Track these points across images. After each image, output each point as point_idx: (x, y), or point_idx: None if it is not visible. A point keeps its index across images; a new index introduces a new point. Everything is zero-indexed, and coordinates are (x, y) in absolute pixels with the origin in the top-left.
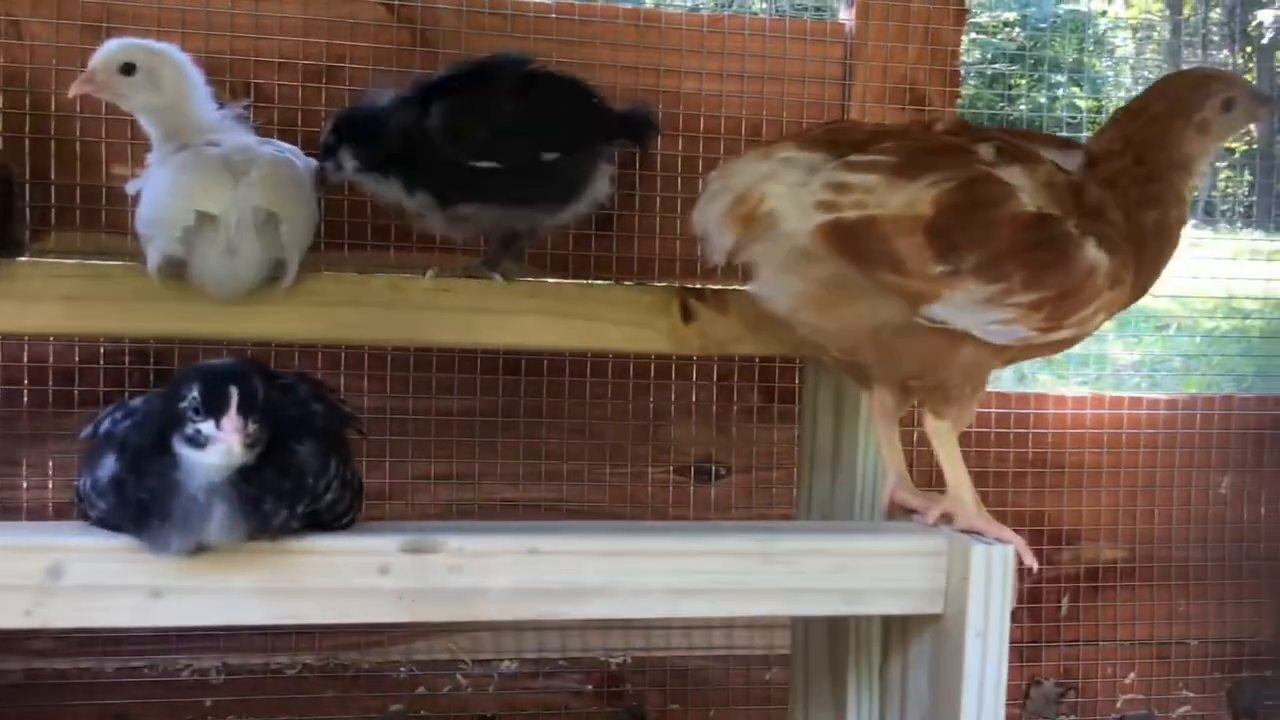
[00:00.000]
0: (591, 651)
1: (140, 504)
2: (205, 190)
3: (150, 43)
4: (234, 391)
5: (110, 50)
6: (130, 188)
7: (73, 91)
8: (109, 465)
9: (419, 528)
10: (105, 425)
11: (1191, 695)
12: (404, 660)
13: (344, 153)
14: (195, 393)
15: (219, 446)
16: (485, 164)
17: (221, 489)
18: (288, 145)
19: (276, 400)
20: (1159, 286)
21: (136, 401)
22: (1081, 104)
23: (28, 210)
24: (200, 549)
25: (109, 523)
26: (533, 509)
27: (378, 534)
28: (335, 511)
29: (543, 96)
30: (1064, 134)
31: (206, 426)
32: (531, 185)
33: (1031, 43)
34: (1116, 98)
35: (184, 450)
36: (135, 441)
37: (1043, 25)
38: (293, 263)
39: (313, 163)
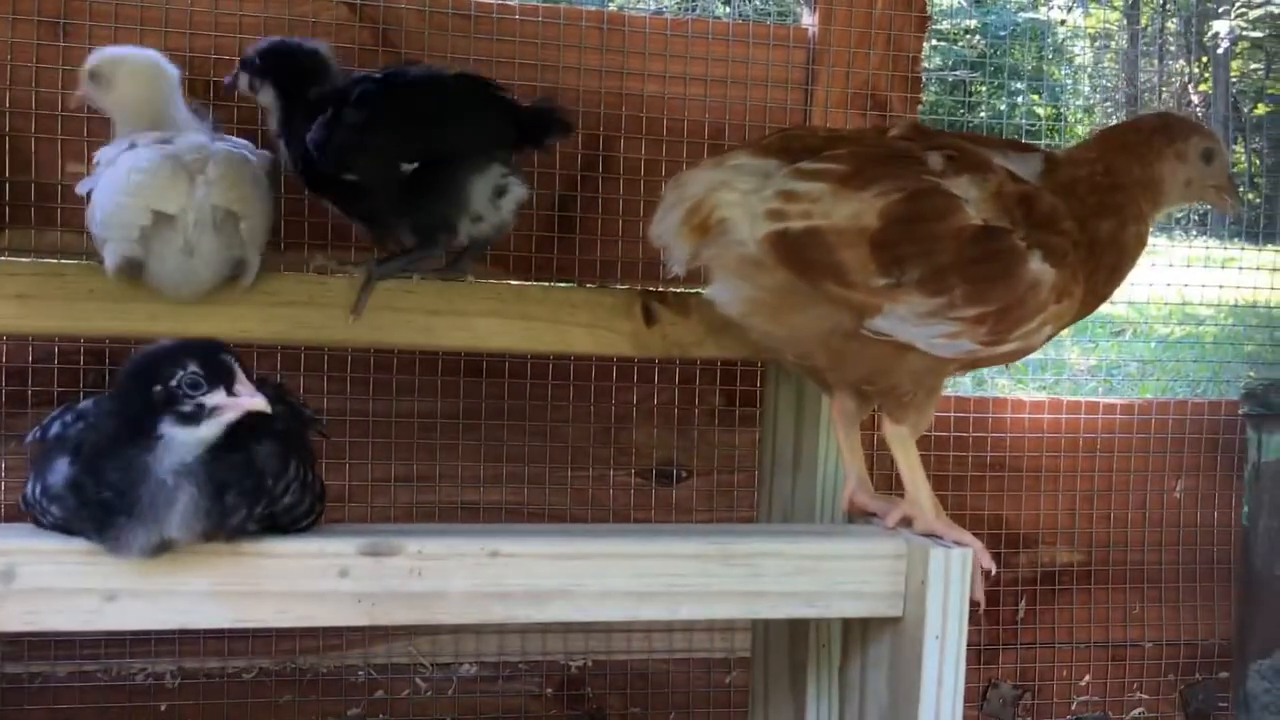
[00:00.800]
0: (552, 655)
1: (103, 504)
2: (161, 189)
3: (115, 50)
4: (229, 358)
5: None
6: (81, 188)
7: (74, 103)
8: (62, 469)
9: (378, 530)
10: (55, 429)
11: (1145, 697)
12: (363, 664)
13: (264, 90)
14: (193, 367)
15: (228, 416)
16: (348, 176)
17: (191, 471)
18: (241, 140)
19: None
20: (1116, 294)
21: (86, 404)
22: (1040, 111)
23: None
24: (162, 547)
25: (65, 528)
26: (493, 512)
27: (337, 536)
28: (294, 515)
29: (407, 103)
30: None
31: (213, 397)
32: (393, 197)
33: (992, 50)
34: (1075, 105)
35: (172, 430)
36: (91, 441)
37: (1003, 33)
38: (253, 261)
39: (268, 156)
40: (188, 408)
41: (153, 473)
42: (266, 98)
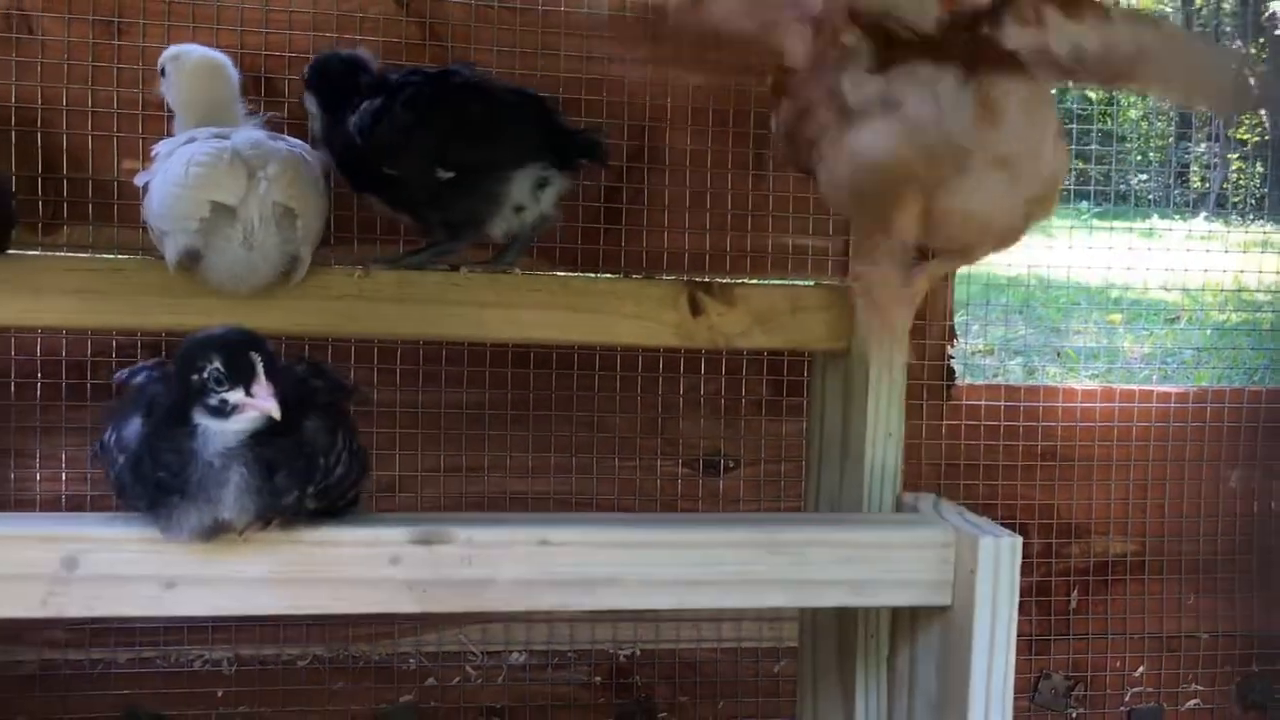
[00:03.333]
0: (600, 643)
1: (158, 483)
2: (220, 181)
3: (179, 47)
4: (257, 358)
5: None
6: (138, 180)
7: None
8: (135, 426)
9: (429, 519)
10: (140, 377)
11: (1201, 689)
12: (414, 651)
13: (308, 97)
14: (217, 364)
15: (247, 415)
16: (387, 170)
17: (238, 453)
18: (297, 140)
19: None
20: (1170, 279)
21: (170, 367)
22: (1092, 94)
23: (40, 205)
24: (216, 528)
25: (123, 492)
26: (542, 502)
27: (388, 525)
28: (343, 485)
29: (453, 112)
30: (1072, 126)
31: (234, 395)
32: (429, 200)
33: None
34: (1128, 89)
35: (205, 421)
36: (157, 413)
37: None
38: (305, 258)
39: (321, 156)
40: (214, 402)
41: (199, 456)
42: (310, 104)
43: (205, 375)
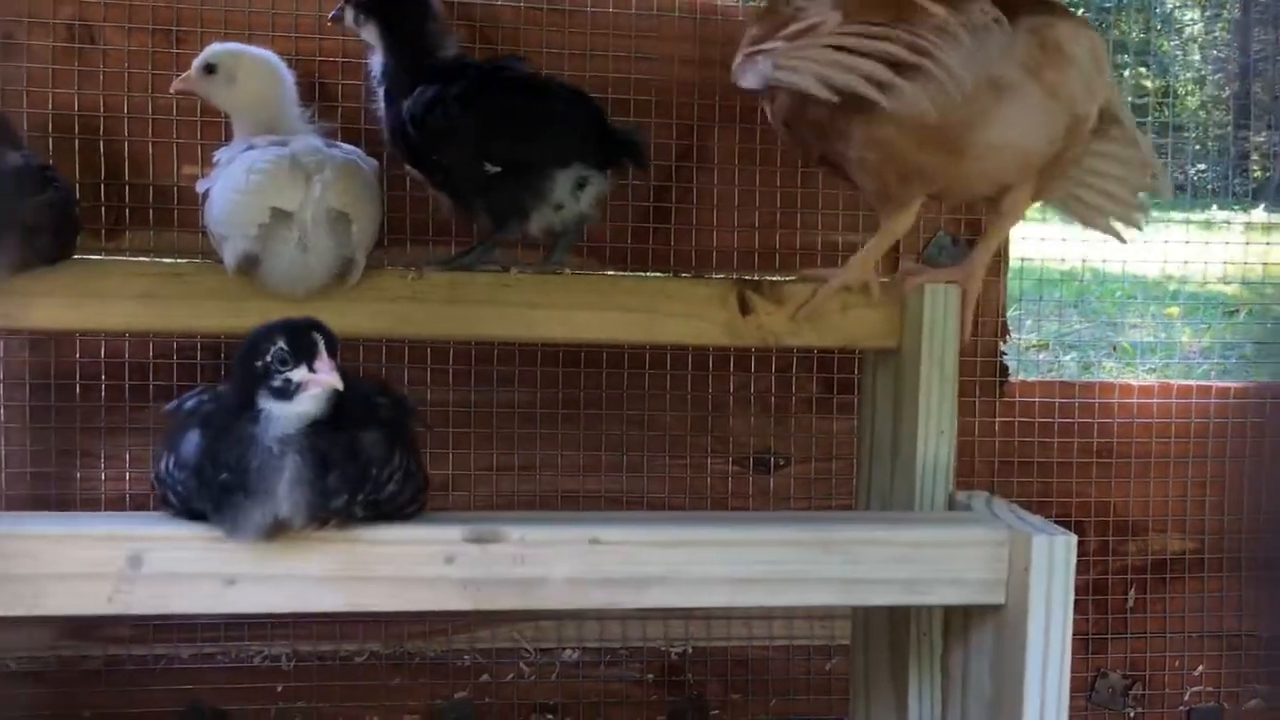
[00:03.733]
0: (652, 641)
1: (222, 485)
2: (280, 188)
3: (236, 46)
4: (319, 337)
5: (203, 53)
6: (199, 186)
7: (173, 87)
8: (194, 440)
9: (482, 518)
10: (190, 403)
11: (1262, 688)
12: (468, 648)
13: (368, 26)
14: (281, 344)
15: (311, 392)
16: (435, 157)
17: (294, 441)
18: (351, 147)
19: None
20: (1230, 271)
21: (222, 387)
22: (1149, 84)
23: (103, 211)
24: (276, 527)
25: (189, 501)
26: (593, 500)
27: (442, 524)
28: (396, 503)
29: (504, 109)
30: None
31: (298, 373)
32: (474, 189)
33: (1097, 22)
34: (1185, 77)
35: (269, 405)
36: (217, 419)
37: (1108, 4)
38: (360, 261)
39: (375, 164)
40: (278, 382)
41: (259, 442)
42: (370, 35)
43: (269, 358)
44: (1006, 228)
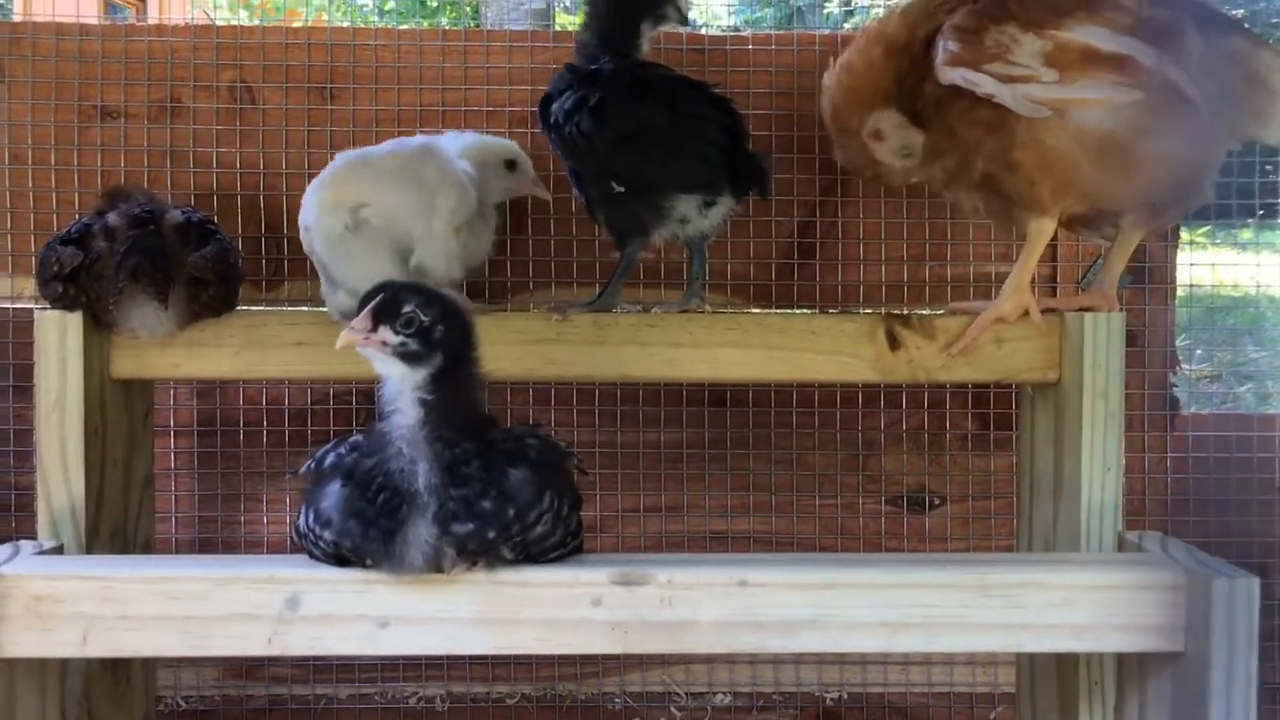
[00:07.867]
0: (806, 686)
1: (379, 508)
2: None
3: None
4: (373, 299)
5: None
6: None
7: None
8: (334, 491)
9: (629, 560)
10: (329, 459)
11: None
12: (619, 691)
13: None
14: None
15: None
16: (573, 165)
17: (441, 482)
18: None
19: (492, 433)
20: None
21: (357, 437)
22: None
23: (263, 264)
24: (432, 552)
25: (336, 554)
26: (741, 541)
27: (589, 566)
28: (544, 545)
29: (637, 132)
30: None
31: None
32: (601, 200)
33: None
34: None
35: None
36: (359, 474)
37: (1275, 20)
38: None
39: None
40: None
41: (407, 486)
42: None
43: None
44: (1132, 243)
